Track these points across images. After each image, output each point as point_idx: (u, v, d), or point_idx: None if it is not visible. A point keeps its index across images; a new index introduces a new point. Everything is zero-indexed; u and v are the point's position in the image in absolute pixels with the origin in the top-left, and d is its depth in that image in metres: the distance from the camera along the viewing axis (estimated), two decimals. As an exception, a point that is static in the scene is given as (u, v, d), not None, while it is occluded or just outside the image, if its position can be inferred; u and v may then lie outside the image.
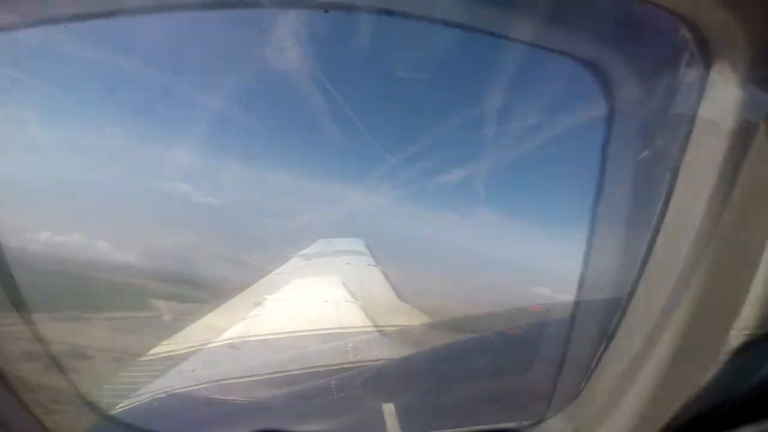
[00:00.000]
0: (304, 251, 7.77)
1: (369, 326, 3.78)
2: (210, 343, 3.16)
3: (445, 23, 0.84)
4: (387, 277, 5.73)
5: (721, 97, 0.64)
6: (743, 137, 0.62)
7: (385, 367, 2.12)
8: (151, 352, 3.00)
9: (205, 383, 2.05)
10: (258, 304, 4.27)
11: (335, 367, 2.10)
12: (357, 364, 2.18)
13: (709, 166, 0.65)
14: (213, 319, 3.85)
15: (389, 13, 0.88)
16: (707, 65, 0.65)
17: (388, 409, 1.38)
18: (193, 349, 3.06)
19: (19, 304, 0.70)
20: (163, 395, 1.84)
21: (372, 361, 2.24)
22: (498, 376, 1.38)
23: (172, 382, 2.20)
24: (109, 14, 0.79)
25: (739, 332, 0.67)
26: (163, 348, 3.08)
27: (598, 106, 0.85)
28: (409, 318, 4.09)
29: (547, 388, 0.92)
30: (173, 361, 2.78)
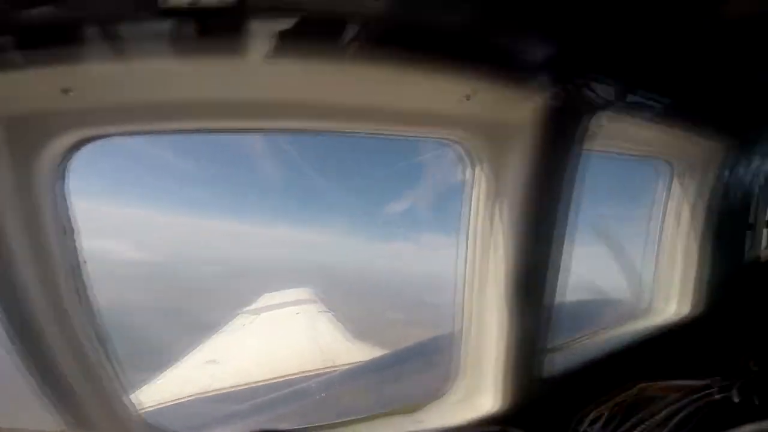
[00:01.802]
0: (251, 307, 7.87)
1: (327, 368, 4.09)
2: (163, 404, 3.27)
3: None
4: (340, 321, 6.04)
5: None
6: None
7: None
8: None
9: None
10: (212, 361, 4.40)
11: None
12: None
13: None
14: (163, 381, 3.92)
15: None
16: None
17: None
18: (144, 411, 3.12)
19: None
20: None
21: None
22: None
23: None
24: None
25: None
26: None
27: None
28: (368, 354, 4.42)
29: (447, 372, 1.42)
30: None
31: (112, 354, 1.01)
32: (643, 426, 0.69)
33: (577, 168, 1.02)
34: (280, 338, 5.59)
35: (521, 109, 0.92)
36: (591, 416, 0.88)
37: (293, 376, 3.88)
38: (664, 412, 0.69)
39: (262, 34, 0.72)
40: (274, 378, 3.89)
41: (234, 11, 0.66)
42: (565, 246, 1.08)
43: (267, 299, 8.35)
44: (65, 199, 0.95)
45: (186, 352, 4.71)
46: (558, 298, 1.56)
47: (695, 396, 0.79)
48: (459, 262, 1.23)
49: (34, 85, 0.75)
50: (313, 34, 0.72)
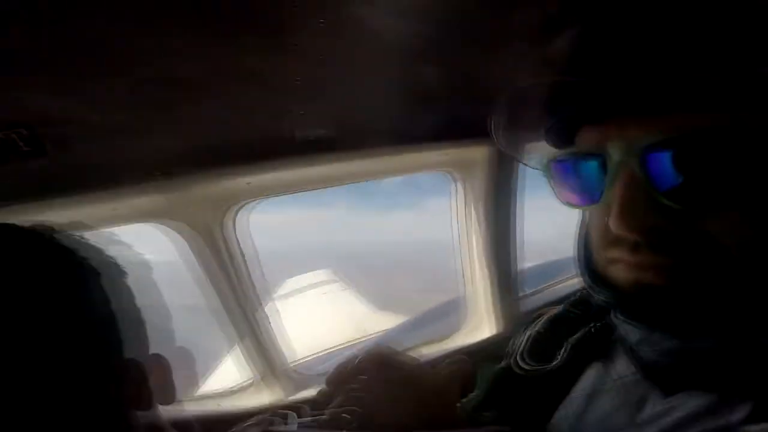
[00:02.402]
0: (279, 293, 8.65)
1: (362, 337, 4.80)
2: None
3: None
4: (363, 295, 6.79)
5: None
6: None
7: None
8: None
9: None
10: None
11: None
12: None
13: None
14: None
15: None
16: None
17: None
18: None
19: None
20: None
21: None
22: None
23: None
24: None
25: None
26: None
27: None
28: (394, 321, 5.10)
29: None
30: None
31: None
32: (532, 334, 1.15)
33: (517, 172, 1.64)
34: (312, 318, 6.35)
35: (479, 153, 1.54)
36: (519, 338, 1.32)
37: (334, 349, 4.59)
38: (540, 326, 1.15)
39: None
40: (317, 353, 4.58)
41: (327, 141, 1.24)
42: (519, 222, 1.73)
43: (293, 284, 9.18)
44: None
45: (226, 347, 5.38)
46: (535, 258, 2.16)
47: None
48: (454, 237, 1.85)
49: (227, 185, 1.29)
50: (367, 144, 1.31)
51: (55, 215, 1.18)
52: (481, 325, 1.91)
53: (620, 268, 0.59)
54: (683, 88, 0.45)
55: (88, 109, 0.94)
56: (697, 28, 0.45)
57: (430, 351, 1.86)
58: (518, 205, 1.70)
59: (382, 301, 6.27)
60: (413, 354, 1.93)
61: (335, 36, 0.98)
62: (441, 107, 1.29)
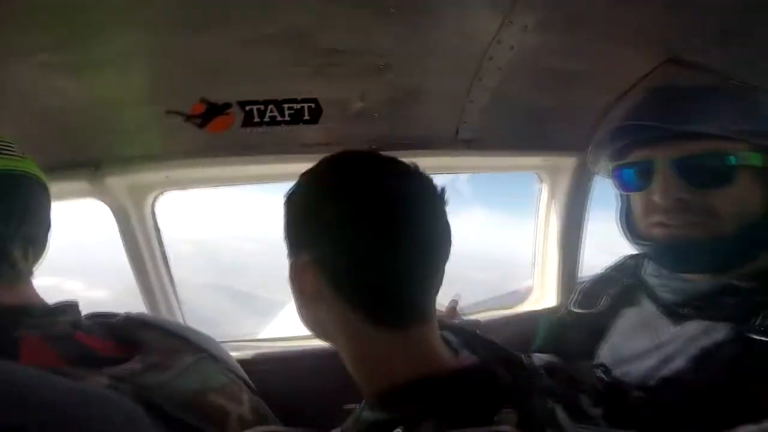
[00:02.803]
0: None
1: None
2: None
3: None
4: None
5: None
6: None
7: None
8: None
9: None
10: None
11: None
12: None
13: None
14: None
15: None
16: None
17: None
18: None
19: None
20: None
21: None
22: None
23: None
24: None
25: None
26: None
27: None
28: None
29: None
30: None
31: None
32: (583, 288, 1.29)
33: (593, 180, 2.10)
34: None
35: (566, 162, 2.05)
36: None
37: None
38: (588, 283, 1.34)
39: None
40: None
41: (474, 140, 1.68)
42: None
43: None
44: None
45: (256, 329, 5.19)
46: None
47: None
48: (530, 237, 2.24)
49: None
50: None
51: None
52: (543, 299, 2.38)
53: (658, 227, 0.96)
54: (686, 133, 0.89)
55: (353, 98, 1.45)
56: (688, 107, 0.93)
57: (496, 315, 2.24)
58: (589, 207, 2.19)
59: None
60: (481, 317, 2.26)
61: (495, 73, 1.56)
62: (546, 125, 1.85)
